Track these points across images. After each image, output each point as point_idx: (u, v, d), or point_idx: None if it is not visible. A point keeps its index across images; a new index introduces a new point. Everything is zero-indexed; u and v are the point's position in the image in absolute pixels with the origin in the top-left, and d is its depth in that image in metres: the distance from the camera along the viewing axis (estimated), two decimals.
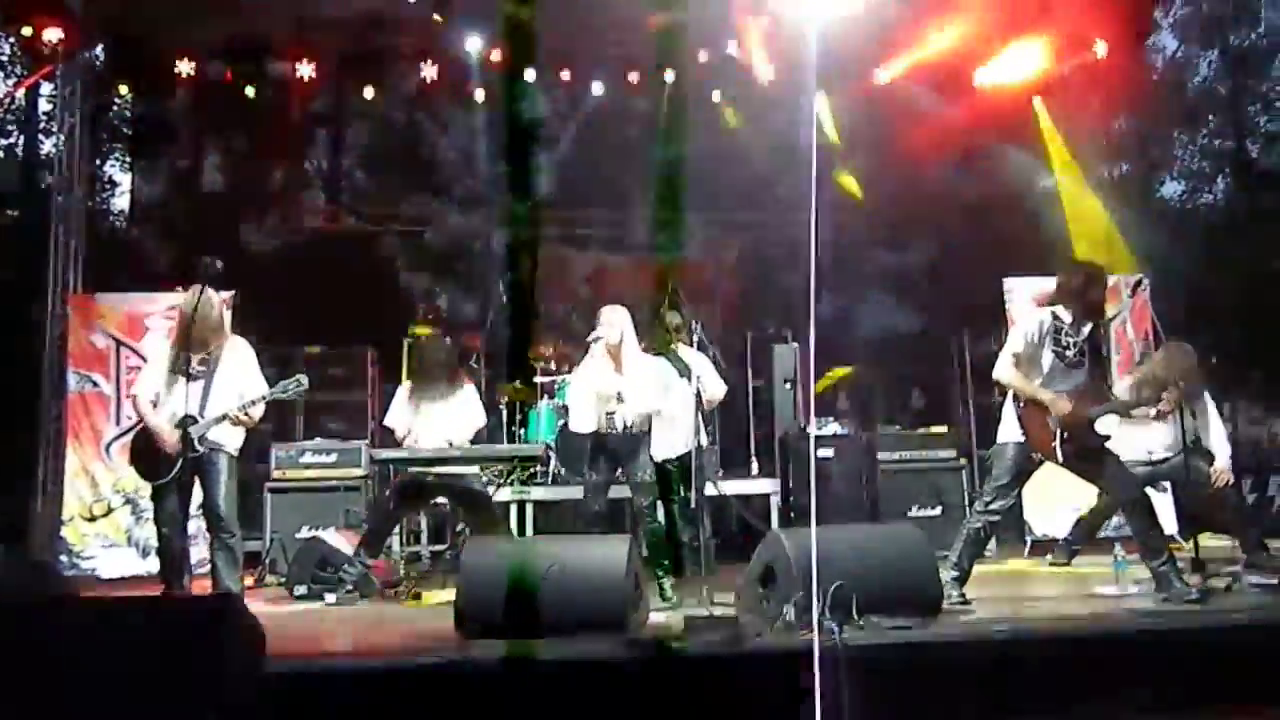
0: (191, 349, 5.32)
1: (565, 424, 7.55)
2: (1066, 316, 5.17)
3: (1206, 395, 6.47)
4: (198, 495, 5.54)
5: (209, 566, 5.55)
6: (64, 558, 7.81)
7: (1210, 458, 6.33)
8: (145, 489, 6.15)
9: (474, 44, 9.39)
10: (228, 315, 5.70)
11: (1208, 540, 6.38)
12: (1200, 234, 15.43)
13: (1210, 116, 16.27)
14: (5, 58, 14.50)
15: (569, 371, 7.85)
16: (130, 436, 5.82)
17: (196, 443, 5.34)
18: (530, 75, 10.12)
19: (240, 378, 5.56)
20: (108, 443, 8.05)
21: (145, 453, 5.50)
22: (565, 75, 10.14)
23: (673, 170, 11.59)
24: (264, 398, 5.54)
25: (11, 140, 14.90)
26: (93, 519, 7.92)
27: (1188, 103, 16.15)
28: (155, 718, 3.06)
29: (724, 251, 11.88)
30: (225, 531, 5.44)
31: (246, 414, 5.47)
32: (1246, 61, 15.83)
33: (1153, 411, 5.84)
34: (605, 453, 5.92)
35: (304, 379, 5.70)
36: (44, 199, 9.64)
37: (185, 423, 5.30)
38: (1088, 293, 5.16)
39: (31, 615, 3.30)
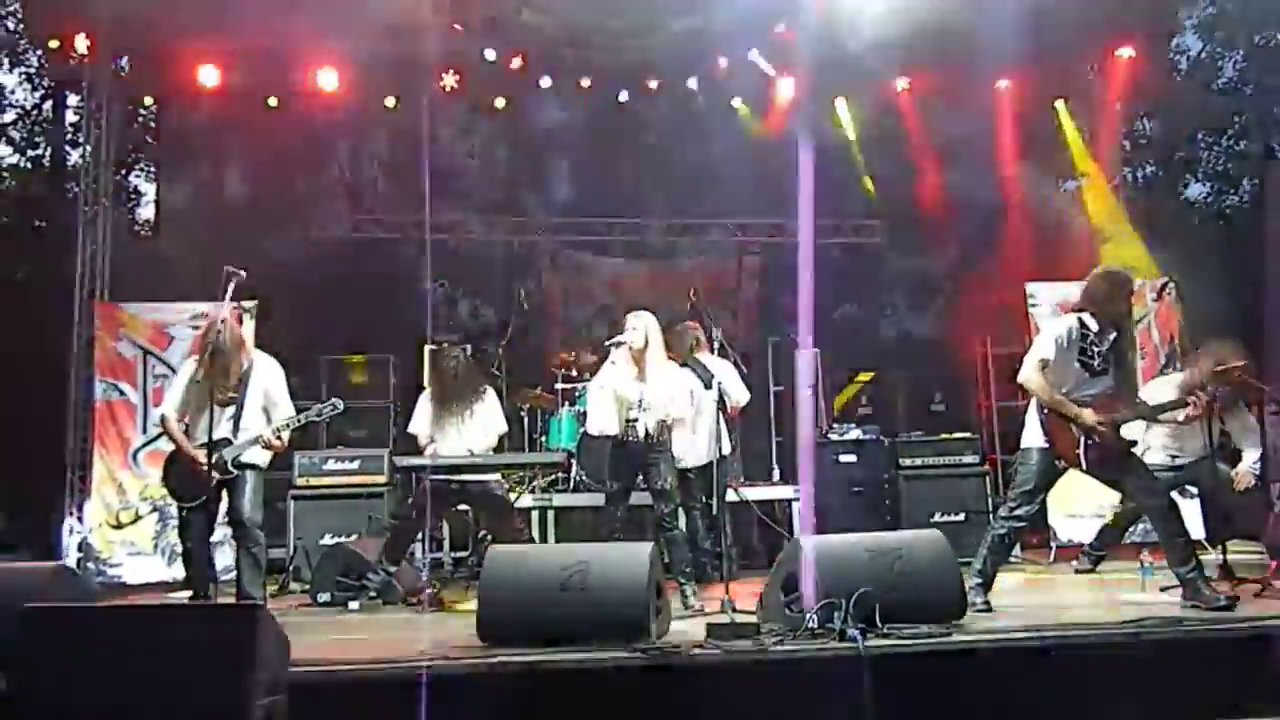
0: (218, 374, 5.38)
1: (586, 430, 7.56)
2: (1092, 324, 5.12)
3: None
4: (223, 504, 5.61)
5: (234, 573, 5.61)
6: (90, 565, 7.88)
7: (1237, 461, 6.26)
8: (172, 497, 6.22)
9: (493, 52, 9.41)
10: (250, 330, 5.75)
11: (1236, 546, 6.31)
12: (1226, 236, 15.27)
13: (1236, 117, 16.11)
14: (33, 70, 14.72)
15: (590, 379, 7.85)
16: (154, 447, 5.87)
17: (230, 465, 5.43)
18: (550, 82, 10.15)
19: (270, 400, 5.65)
20: (134, 451, 8.12)
21: (178, 475, 5.59)
22: (585, 82, 10.14)
23: (693, 177, 11.60)
24: (299, 421, 5.63)
25: (39, 151, 15.12)
26: (119, 526, 7.99)
27: (1213, 104, 16.00)
28: None
29: (745, 257, 11.86)
30: (250, 539, 5.51)
31: (279, 438, 5.54)
32: (1272, 61, 15.66)
33: (1180, 415, 5.75)
34: (627, 460, 5.91)
35: (339, 403, 5.80)
36: (70, 208, 9.74)
37: (219, 446, 5.37)
38: (1114, 300, 5.12)
39: (57, 621, 3.32)
